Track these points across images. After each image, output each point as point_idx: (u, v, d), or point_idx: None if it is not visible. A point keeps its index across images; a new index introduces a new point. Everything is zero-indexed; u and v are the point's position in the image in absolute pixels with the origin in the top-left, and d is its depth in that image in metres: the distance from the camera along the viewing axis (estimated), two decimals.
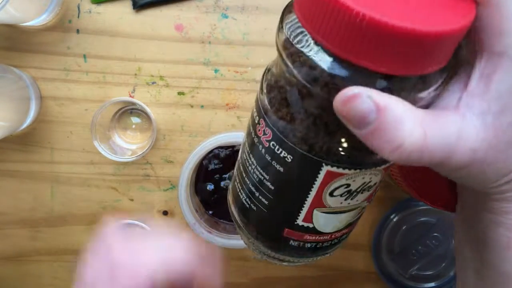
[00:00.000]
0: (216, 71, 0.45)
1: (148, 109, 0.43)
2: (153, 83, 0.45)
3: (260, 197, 0.26)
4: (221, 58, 0.45)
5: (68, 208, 0.46)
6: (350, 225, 0.27)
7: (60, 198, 0.46)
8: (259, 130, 0.24)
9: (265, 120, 0.23)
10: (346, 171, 0.22)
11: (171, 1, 0.44)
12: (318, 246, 0.27)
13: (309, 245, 0.27)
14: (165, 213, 0.46)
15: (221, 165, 0.43)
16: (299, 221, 0.25)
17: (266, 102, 0.23)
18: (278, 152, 0.23)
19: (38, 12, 0.42)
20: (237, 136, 0.39)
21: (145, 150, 0.42)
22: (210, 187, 0.43)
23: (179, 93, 0.45)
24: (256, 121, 0.24)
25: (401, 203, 0.45)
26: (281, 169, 0.24)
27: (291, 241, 0.26)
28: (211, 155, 0.43)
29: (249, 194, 0.26)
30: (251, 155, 0.25)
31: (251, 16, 0.44)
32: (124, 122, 0.46)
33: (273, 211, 0.26)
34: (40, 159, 0.45)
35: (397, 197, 0.46)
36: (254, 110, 0.25)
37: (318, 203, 0.24)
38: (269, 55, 0.45)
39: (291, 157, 0.23)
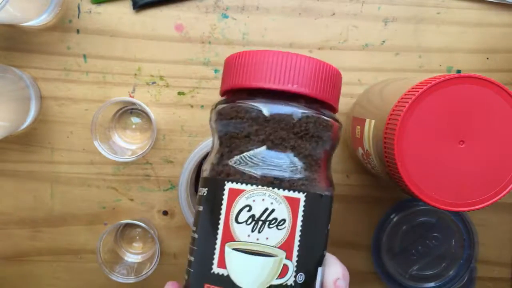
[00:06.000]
0: (216, 71, 0.45)
1: (148, 109, 0.43)
2: (153, 83, 0.45)
3: (190, 257, 0.26)
4: (221, 58, 0.45)
5: (68, 208, 0.46)
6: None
7: (60, 198, 0.46)
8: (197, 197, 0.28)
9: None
10: (244, 186, 0.24)
11: (171, 1, 0.44)
12: None
13: None
14: (165, 213, 0.46)
15: None
16: (215, 267, 0.24)
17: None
18: (200, 193, 0.27)
19: (38, 12, 0.42)
20: None
21: (145, 150, 0.42)
22: None
23: (179, 93, 0.45)
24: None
25: (401, 203, 0.45)
26: (201, 208, 0.26)
27: None
28: None
29: (187, 266, 0.27)
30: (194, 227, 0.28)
31: (251, 16, 0.44)
32: (124, 122, 0.46)
33: (196, 264, 0.25)
34: (40, 159, 0.45)
35: (397, 197, 0.46)
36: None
37: (227, 233, 0.24)
38: None
39: (206, 189, 0.26)
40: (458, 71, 0.45)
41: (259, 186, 0.24)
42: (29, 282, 0.47)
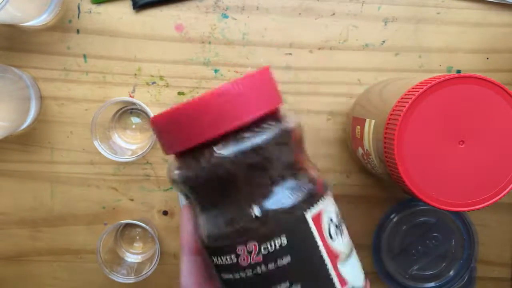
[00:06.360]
0: (216, 71, 0.45)
1: (148, 109, 0.43)
2: (153, 83, 0.45)
3: None
4: (221, 58, 0.45)
5: (68, 208, 0.46)
6: (365, 274, 0.27)
7: (60, 198, 0.46)
8: (244, 259, 0.24)
9: (249, 239, 0.23)
10: (319, 206, 0.24)
11: (171, 1, 0.44)
12: None
13: None
14: (165, 213, 0.46)
15: None
16: None
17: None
18: (271, 248, 0.23)
19: (38, 12, 0.42)
20: None
21: (145, 150, 0.42)
22: None
23: (179, 93, 0.45)
24: (235, 255, 0.24)
25: (401, 203, 0.45)
26: (287, 259, 0.23)
27: None
28: None
29: None
30: None
31: (251, 16, 0.44)
32: (124, 122, 0.46)
33: None
34: (40, 159, 0.45)
35: (397, 197, 0.46)
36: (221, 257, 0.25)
37: (331, 254, 0.24)
38: (269, 55, 0.45)
39: (284, 237, 0.23)
40: (458, 71, 0.45)
41: (322, 198, 0.25)
42: (29, 282, 0.47)
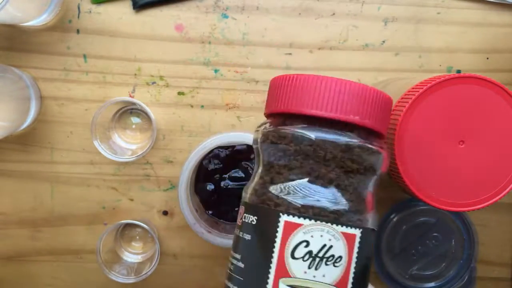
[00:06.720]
0: (216, 71, 0.45)
1: (148, 109, 0.43)
2: (153, 83, 0.45)
3: (232, 286, 0.25)
4: (221, 58, 0.45)
5: (68, 208, 0.46)
6: None
7: (60, 198, 0.46)
8: (239, 222, 0.26)
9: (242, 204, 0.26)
10: (301, 220, 0.23)
11: (171, 1, 0.44)
12: None
13: None
14: (165, 213, 0.46)
15: (221, 165, 0.43)
16: None
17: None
18: (246, 220, 0.25)
19: (38, 12, 0.42)
20: (237, 136, 0.39)
21: (145, 150, 0.43)
22: (210, 187, 0.43)
23: (179, 93, 0.45)
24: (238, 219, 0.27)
25: (401, 203, 0.45)
26: (248, 237, 0.25)
27: None
28: (211, 155, 0.43)
29: None
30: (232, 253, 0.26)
31: (251, 16, 0.44)
32: (124, 122, 0.46)
33: None
34: (40, 159, 0.45)
35: (397, 197, 0.46)
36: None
37: (282, 269, 0.23)
38: (269, 55, 0.45)
39: (256, 218, 0.25)
40: (458, 71, 0.45)
41: (318, 222, 0.23)
42: (29, 282, 0.47)
